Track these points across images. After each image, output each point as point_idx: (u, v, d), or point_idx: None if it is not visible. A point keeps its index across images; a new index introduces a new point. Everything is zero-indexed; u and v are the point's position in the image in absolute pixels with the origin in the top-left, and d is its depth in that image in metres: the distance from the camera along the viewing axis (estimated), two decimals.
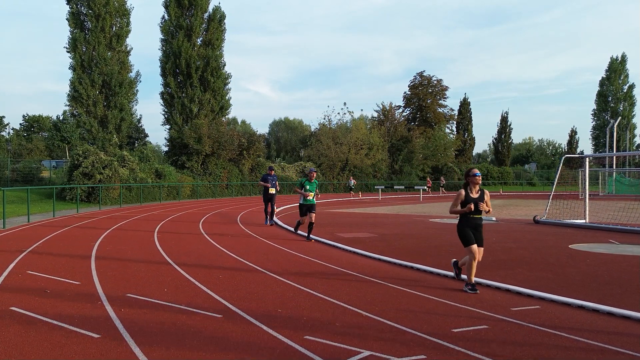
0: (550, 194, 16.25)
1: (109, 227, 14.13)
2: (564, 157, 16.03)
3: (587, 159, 15.48)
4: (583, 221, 15.03)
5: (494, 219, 16.84)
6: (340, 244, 10.38)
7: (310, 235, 11.32)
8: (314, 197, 11.35)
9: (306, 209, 11.35)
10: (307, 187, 11.27)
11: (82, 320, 4.87)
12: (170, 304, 5.50)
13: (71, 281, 6.75)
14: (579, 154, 67.37)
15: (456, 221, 6.54)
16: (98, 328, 4.61)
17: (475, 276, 6.97)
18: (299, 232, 12.30)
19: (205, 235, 12.46)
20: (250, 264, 8.16)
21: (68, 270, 7.57)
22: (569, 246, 10.24)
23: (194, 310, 5.27)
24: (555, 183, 15.82)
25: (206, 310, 5.27)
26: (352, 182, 39.46)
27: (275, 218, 15.50)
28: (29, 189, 17.28)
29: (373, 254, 9.07)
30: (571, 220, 15.26)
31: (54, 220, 16.38)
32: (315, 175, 11.35)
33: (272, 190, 14.77)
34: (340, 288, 6.38)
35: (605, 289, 6.29)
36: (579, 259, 8.63)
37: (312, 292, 6.15)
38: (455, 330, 4.57)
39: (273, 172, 15.02)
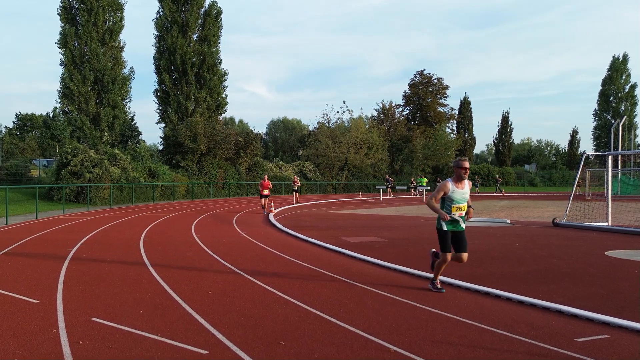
0: (571, 195, 15.10)
1: (92, 231, 12.94)
2: (585, 156, 14.89)
3: (610, 157, 14.36)
4: (605, 224, 13.92)
5: (507, 221, 15.74)
6: (346, 250, 9.23)
7: None
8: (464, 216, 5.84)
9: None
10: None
11: None
12: (143, 334, 4.34)
13: (29, 299, 5.59)
14: (581, 153, 66.31)
15: (468, 224, 5.36)
16: None
17: (515, 292, 5.85)
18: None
19: (200, 241, 11.31)
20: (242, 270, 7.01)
21: (30, 284, 6.41)
22: (605, 253, 9.12)
23: (172, 342, 4.11)
24: (576, 184, 14.72)
25: (188, 342, 4.12)
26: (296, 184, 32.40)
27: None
28: (7, 188, 16.07)
29: (388, 264, 7.91)
30: (593, 223, 14.16)
31: (36, 222, 15.18)
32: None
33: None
34: (356, 309, 5.23)
35: None
36: (625, 270, 7.50)
37: (322, 315, 5.01)
38: None
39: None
